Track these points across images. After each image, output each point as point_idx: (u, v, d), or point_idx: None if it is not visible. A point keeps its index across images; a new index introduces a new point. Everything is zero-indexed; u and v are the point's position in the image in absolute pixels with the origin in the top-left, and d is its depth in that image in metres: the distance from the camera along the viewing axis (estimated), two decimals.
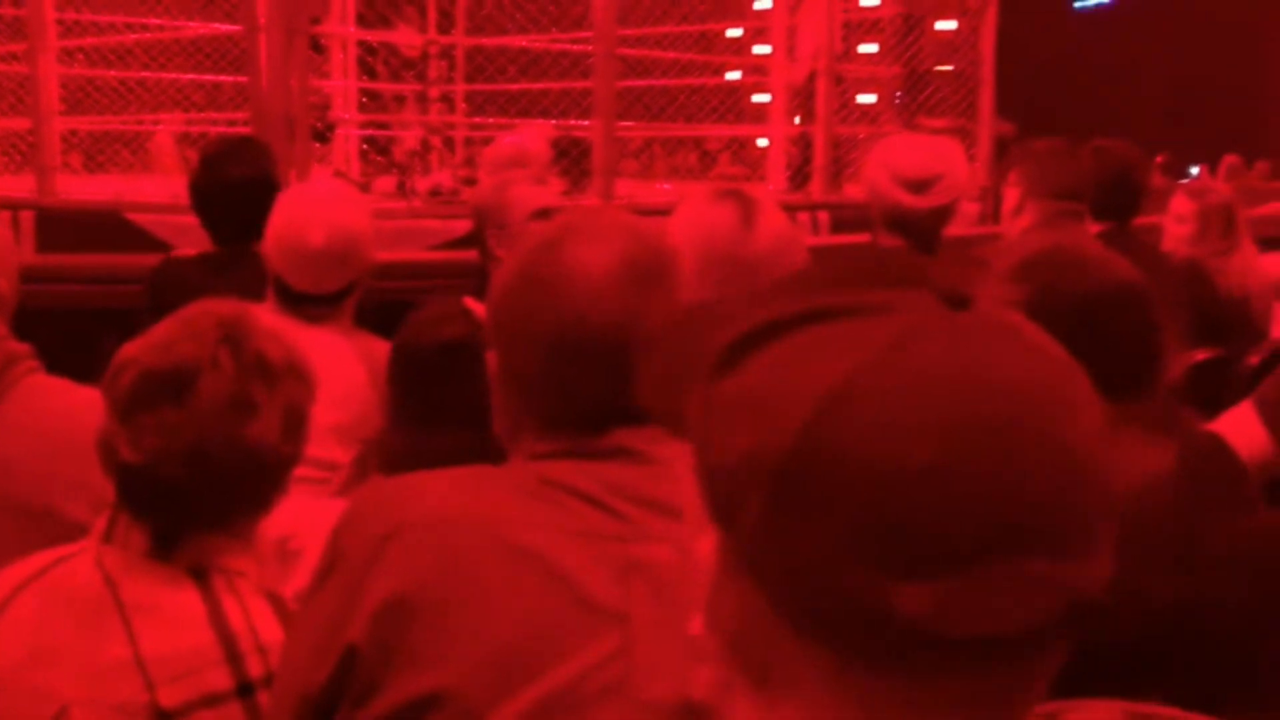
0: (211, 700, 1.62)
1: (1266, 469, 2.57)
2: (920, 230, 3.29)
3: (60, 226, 5.65)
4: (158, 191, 6.46)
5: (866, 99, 9.05)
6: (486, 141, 6.98)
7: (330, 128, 7.71)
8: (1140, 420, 1.96)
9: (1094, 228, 3.98)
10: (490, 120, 8.78)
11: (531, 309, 1.41)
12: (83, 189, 6.84)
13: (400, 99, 8.96)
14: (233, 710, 1.62)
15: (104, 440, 1.71)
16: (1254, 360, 3.77)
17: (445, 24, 9.49)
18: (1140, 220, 4.35)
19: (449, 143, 9.12)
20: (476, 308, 2.54)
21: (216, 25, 7.73)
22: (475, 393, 2.28)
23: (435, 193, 6.97)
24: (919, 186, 3.25)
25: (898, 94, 8.75)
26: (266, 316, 1.86)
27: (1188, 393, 3.14)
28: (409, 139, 8.54)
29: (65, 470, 2.05)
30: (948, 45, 8.43)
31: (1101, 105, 18.25)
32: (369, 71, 8.93)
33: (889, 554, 0.67)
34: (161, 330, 1.74)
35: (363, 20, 8.83)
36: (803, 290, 0.76)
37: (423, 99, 8.86)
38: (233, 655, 1.64)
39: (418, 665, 1.28)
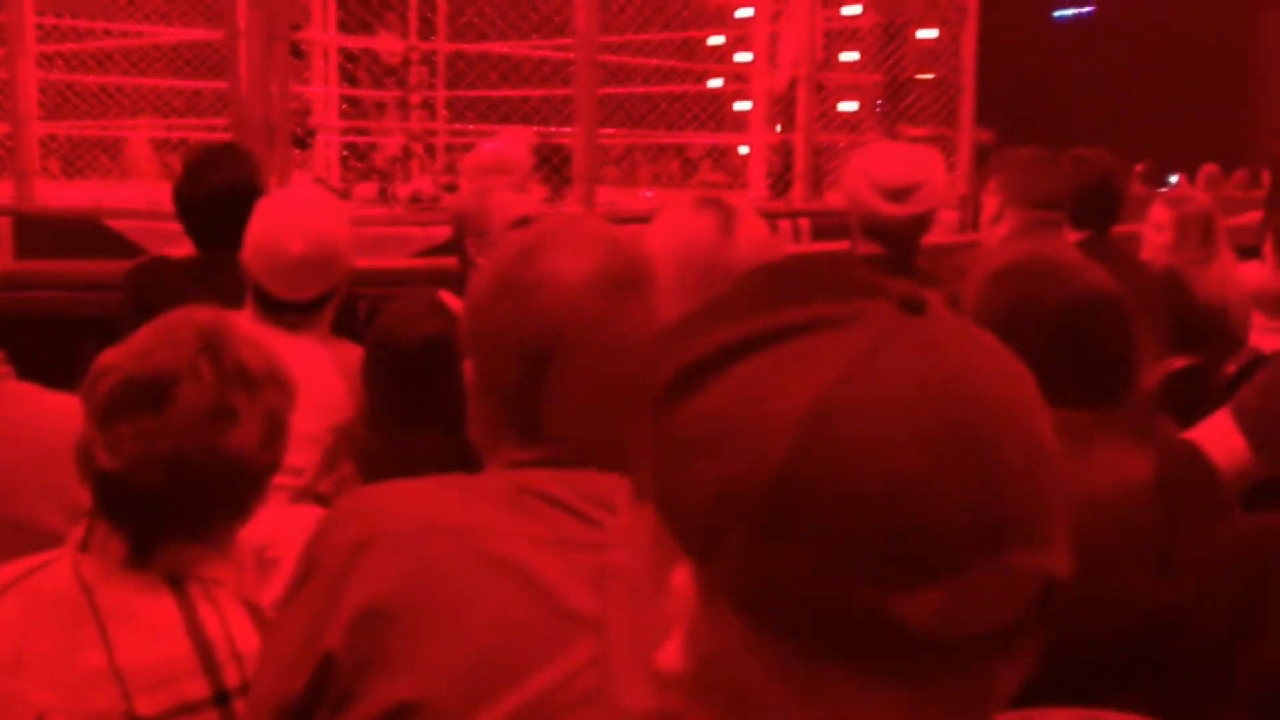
0: (188, 709, 1.62)
1: (1244, 476, 2.59)
2: (899, 238, 3.30)
3: (39, 232, 5.63)
4: (137, 197, 6.44)
5: (848, 107, 9.07)
6: (468, 148, 6.98)
7: (311, 134, 7.69)
8: (1117, 428, 1.97)
9: (1073, 236, 4.00)
10: (471, 127, 8.77)
11: (507, 318, 1.41)
12: (61, 194, 6.81)
13: (381, 105, 8.95)
14: (210, 719, 1.62)
15: (82, 447, 1.71)
16: (1231, 368, 3.78)
17: (426, 30, 9.48)
18: (1120, 228, 4.37)
19: (430, 149, 9.11)
20: (452, 302, 2.53)
21: (196, 31, 7.71)
22: (452, 389, 2.28)
23: (416, 199, 6.96)
24: (898, 195, 3.26)
25: (879, 102, 8.77)
26: (245, 324, 1.85)
27: (1165, 400, 3.16)
28: (390, 145, 8.53)
29: (40, 478, 2.05)
30: (929, 53, 8.45)
31: (1081, 114, 18.32)
32: (350, 78, 8.92)
33: (885, 567, 0.67)
34: (141, 337, 1.74)
35: (344, 26, 8.81)
36: (753, 309, 0.74)
37: (404, 105, 8.84)
38: (210, 664, 1.64)
39: (394, 673, 1.28)
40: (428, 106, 9.28)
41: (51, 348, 2.52)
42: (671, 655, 0.74)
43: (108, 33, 7.99)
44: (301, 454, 2.49)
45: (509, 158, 5.48)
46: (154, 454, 1.66)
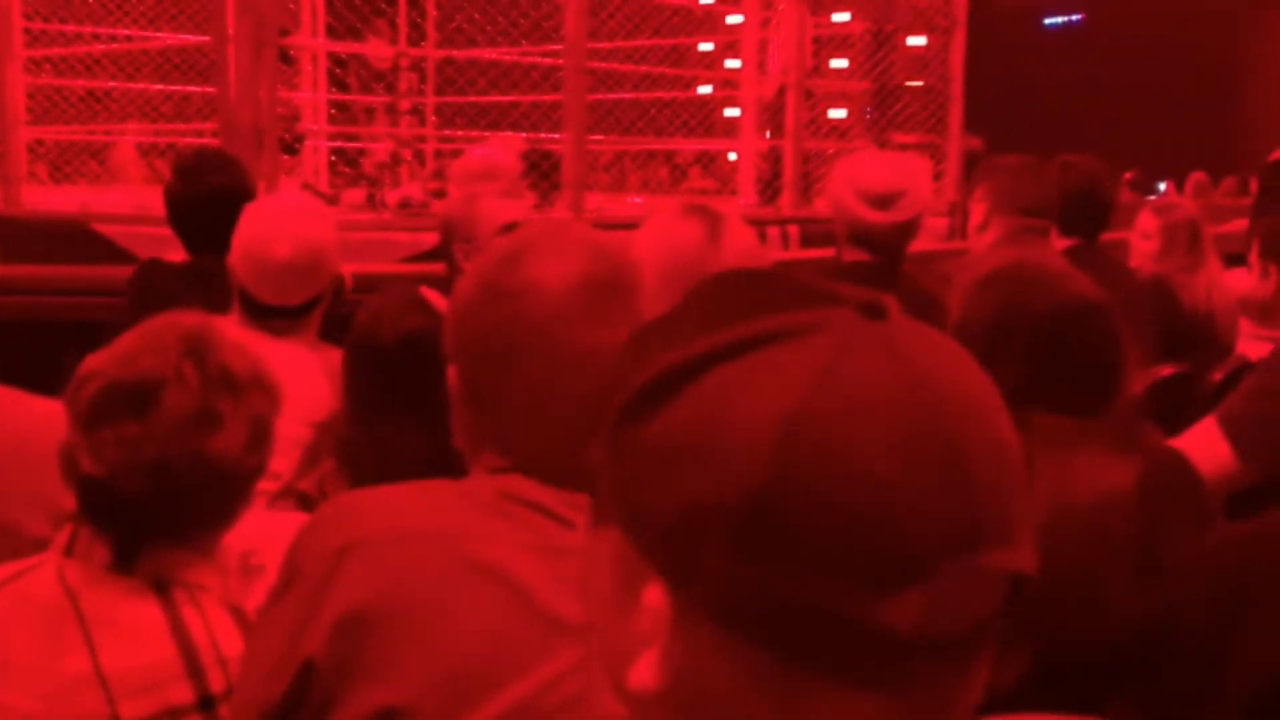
0: (173, 714, 1.62)
1: (1229, 483, 2.60)
2: (885, 246, 3.29)
3: (25, 237, 5.62)
4: (124, 202, 6.43)
5: (837, 114, 9.08)
6: (457, 154, 6.97)
7: (299, 139, 7.69)
8: (1103, 435, 1.97)
9: (1061, 243, 4.00)
10: (460, 133, 8.77)
11: (490, 324, 1.40)
12: (49, 199, 6.80)
13: (370, 111, 8.96)
14: None
15: (66, 452, 1.70)
16: (1218, 376, 3.79)
17: (416, 36, 9.49)
18: (1108, 236, 4.38)
19: (419, 155, 9.11)
20: (433, 297, 2.52)
21: (185, 36, 7.71)
22: (433, 385, 2.27)
23: (405, 205, 6.96)
24: (882, 202, 3.26)
25: (868, 109, 8.78)
26: (231, 328, 1.85)
27: (1152, 407, 3.16)
28: (379, 151, 8.53)
29: (23, 483, 2.04)
30: (918, 61, 8.47)
31: (1070, 121, 18.36)
32: (339, 83, 8.92)
33: (865, 574, 0.67)
34: (125, 342, 1.73)
35: (333, 32, 8.82)
36: (712, 322, 0.73)
37: (393, 111, 8.85)
38: (194, 669, 1.64)
39: (375, 679, 1.28)
40: (417, 112, 9.29)
41: (36, 353, 2.51)
42: (645, 674, 0.73)
43: (96, 37, 7.98)
44: (286, 458, 2.49)
45: (497, 163, 5.47)
46: (138, 459, 1.66)
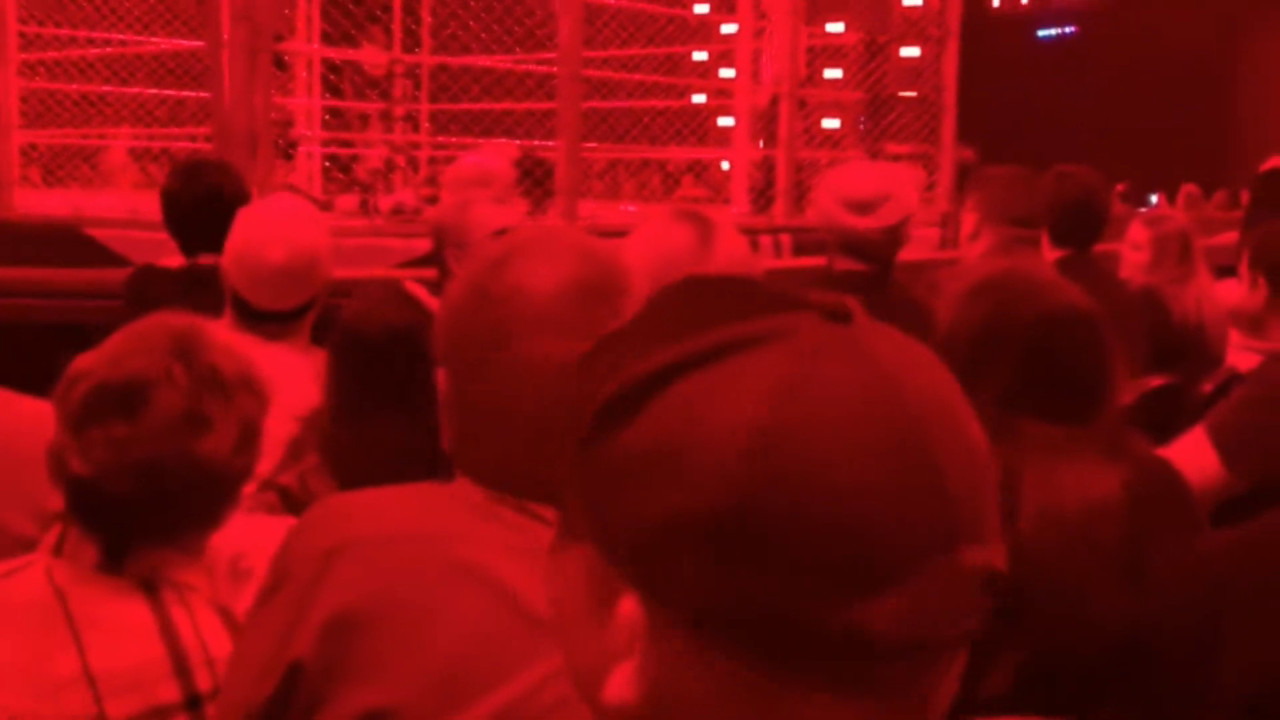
0: (160, 713, 1.62)
1: (1217, 492, 2.60)
2: (872, 252, 3.30)
3: (18, 241, 5.62)
4: (117, 206, 6.43)
5: (831, 124, 9.10)
6: (450, 161, 6.97)
7: (293, 145, 7.69)
8: (1091, 443, 1.98)
9: (1054, 253, 4.01)
10: (454, 140, 8.77)
11: (479, 328, 1.40)
12: (41, 203, 6.80)
13: (364, 117, 8.96)
14: None
15: (54, 453, 1.70)
16: (1207, 388, 3.79)
17: (410, 43, 9.49)
18: (1099, 247, 4.38)
19: (413, 162, 9.11)
20: (418, 291, 2.52)
21: (180, 41, 7.70)
22: (417, 379, 2.26)
23: (398, 211, 6.96)
24: (864, 207, 3.26)
25: (861, 119, 8.80)
26: (222, 331, 1.85)
27: (1141, 418, 3.17)
28: (373, 157, 8.53)
29: (11, 483, 2.04)
30: (911, 71, 8.49)
31: (1063, 133, 18.37)
32: (333, 90, 8.92)
33: (843, 580, 0.67)
34: (114, 343, 1.73)
35: (327, 38, 8.81)
36: (677, 330, 0.73)
37: (387, 117, 8.85)
38: (182, 668, 1.64)
39: (363, 681, 1.28)
40: (411, 119, 9.29)
41: (28, 355, 2.51)
42: (621, 688, 0.73)
43: (90, 41, 7.97)
44: (269, 458, 2.49)
45: (490, 170, 5.47)
46: (126, 460, 1.66)
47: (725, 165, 9.39)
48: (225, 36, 5.78)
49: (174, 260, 3.66)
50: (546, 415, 1.35)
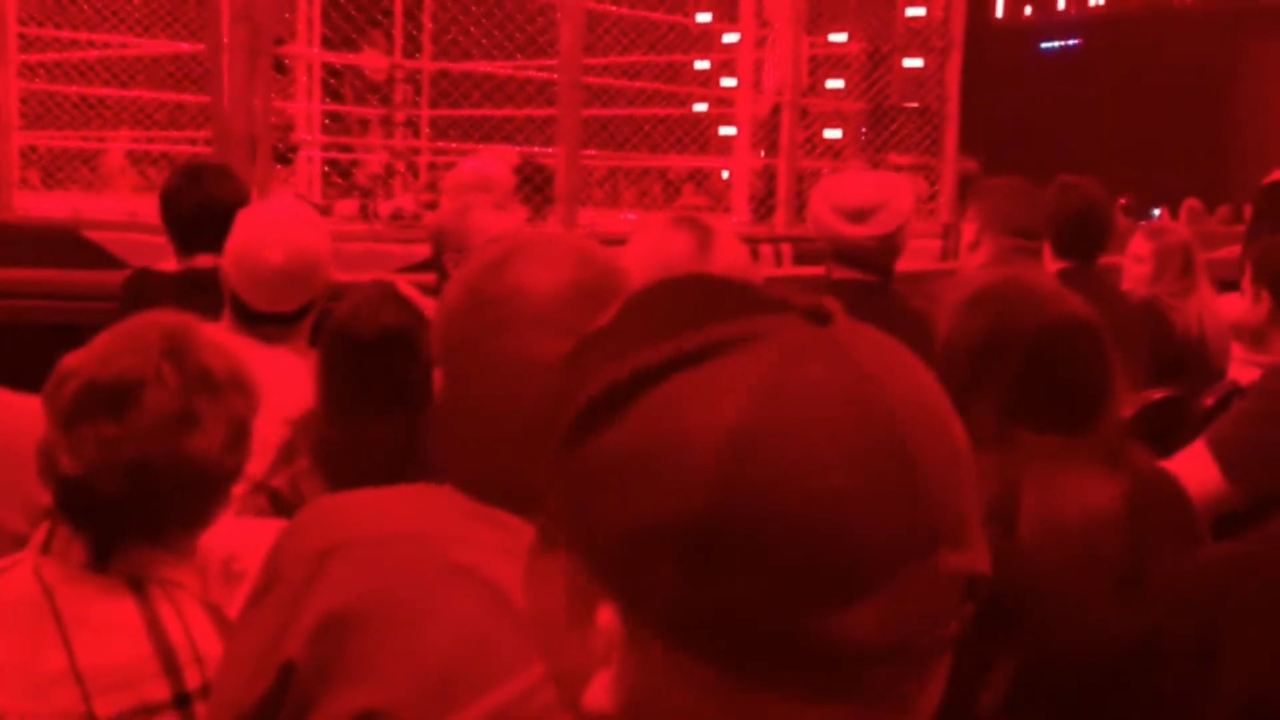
0: (148, 710, 1.62)
1: (1218, 505, 2.60)
2: (868, 261, 3.28)
3: (16, 243, 5.61)
4: (115, 209, 6.42)
5: (833, 134, 9.11)
6: (450, 167, 6.97)
7: (293, 149, 7.68)
8: (1091, 453, 1.97)
9: (1057, 265, 3.99)
10: (454, 145, 8.77)
11: (476, 330, 1.39)
12: (40, 205, 6.80)
13: (365, 122, 8.95)
14: None
15: (44, 451, 1.70)
16: (1209, 401, 3.78)
17: (411, 48, 9.49)
18: (1102, 260, 4.36)
19: (412, 167, 9.11)
20: (411, 292, 2.52)
21: (180, 44, 7.70)
22: (408, 379, 2.25)
23: (397, 216, 6.96)
24: (858, 215, 3.25)
25: (863, 129, 8.80)
26: (215, 331, 1.84)
27: (1142, 431, 3.16)
28: (373, 163, 8.53)
29: (5, 481, 2.03)
30: (914, 82, 8.49)
31: (1065, 146, 18.41)
32: (334, 94, 8.92)
33: (821, 587, 0.66)
34: (104, 341, 1.73)
35: (328, 42, 8.82)
36: (656, 333, 0.72)
37: (387, 123, 8.85)
38: (170, 666, 1.63)
39: (355, 683, 1.27)
40: (411, 124, 9.29)
41: (25, 355, 2.50)
42: (598, 696, 0.72)
43: (90, 44, 7.97)
44: (262, 460, 2.48)
45: (490, 176, 5.47)
46: (116, 459, 1.65)
47: (725, 174, 9.39)
48: (225, 39, 5.77)
49: (171, 264, 3.65)
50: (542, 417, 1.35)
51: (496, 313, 1.37)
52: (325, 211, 6.88)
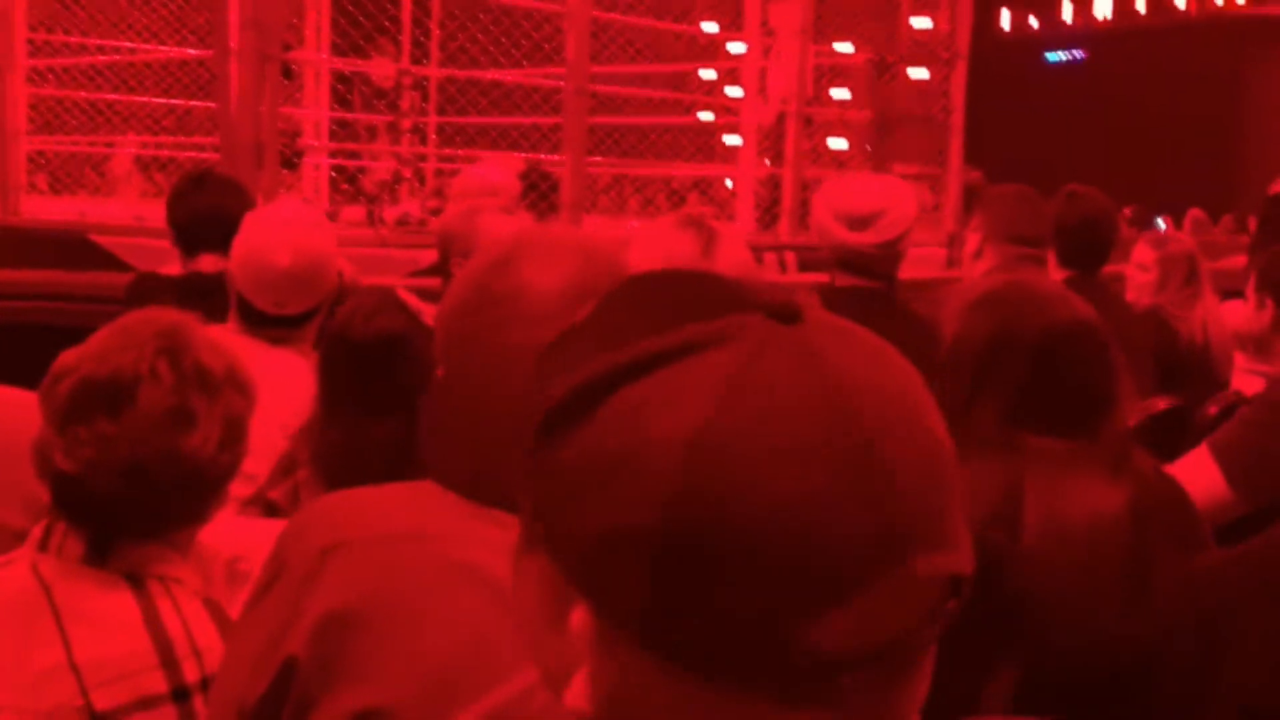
0: (146, 703, 1.61)
1: (1221, 511, 2.60)
2: (871, 268, 3.26)
3: (24, 246, 5.63)
4: (122, 214, 6.44)
5: (838, 144, 9.10)
6: (456, 173, 6.98)
7: (299, 155, 7.69)
8: (1094, 459, 1.97)
9: (1061, 274, 3.98)
10: (461, 152, 8.78)
11: (480, 327, 1.39)
12: (48, 209, 6.81)
13: (372, 129, 8.97)
14: (167, 714, 1.62)
15: (40, 448, 1.70)
16: (1212, 410, 3.77)
17: (419, 55, 9.50)
18: (1106, 269, 4.36)
19: (419, 174, 9.12)
20: (410, 298, 2.53)
21: (188, 50, 7.71)
22: (408, 383, 2.25)
23: (403, 222, 6.97)
24: (859, 222, 3.23)
25: (868, 139, 8.80)
26: (214, 330, 1.84)
27: (1146, 440, 3.15)
28: (380, 170, 8.53)
29: (4, 478, 2.03)
30: (919, 93, 8.50)
31: (1070, 156, 18.42)
32: (341, 100, 8.93)
33: (790, 593, 0.65)
34: (99, 339, 1.73)
35: (337, 49, 8.84)
36: (623, 334, 0.71)
37: (395, 129, 8.85)
38: (168, 659, 1.63)
39: (356, 680, 1.27)
40: (418, 131, 9.29)
41: (29, 356, 2.51)
42: (577, 697, 0.72)
43: (99, 49, 7.99)
44: (265, 461, 2.48)
45: (496, 182, 5.47)
46: (111, 457, 1.65)
47: (730, 183, 9.40)
48: (233, 45, 5.78)
49: (174, 268, 3.66)
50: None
51: (500, 310, 1.37)
52: (332, 217, 6.89)
